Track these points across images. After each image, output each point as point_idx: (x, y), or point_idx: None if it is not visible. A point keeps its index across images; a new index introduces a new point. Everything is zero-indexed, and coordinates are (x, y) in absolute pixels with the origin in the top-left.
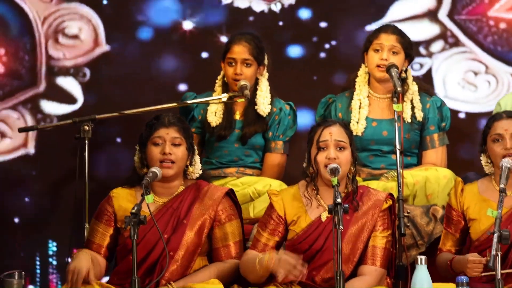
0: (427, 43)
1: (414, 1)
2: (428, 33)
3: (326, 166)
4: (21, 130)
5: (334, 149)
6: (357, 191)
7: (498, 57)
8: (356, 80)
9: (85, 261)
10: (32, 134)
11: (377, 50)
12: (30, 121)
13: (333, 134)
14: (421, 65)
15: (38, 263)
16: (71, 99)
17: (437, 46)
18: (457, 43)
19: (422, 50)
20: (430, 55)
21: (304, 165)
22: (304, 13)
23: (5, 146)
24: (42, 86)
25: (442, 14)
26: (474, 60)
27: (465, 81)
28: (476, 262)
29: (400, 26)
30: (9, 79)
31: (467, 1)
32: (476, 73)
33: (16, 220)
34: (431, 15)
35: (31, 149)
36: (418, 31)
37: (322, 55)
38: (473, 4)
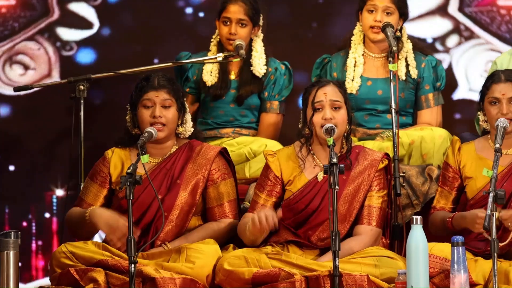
0: (442, 39)
1: None
2: (441, 28)
3: (322, 126)
4: (16, 89)
5: (329, 109)
6: (351, 149)
7: None
8: (352, 39)
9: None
10: (55, 63)
11: (371, 11)
12: (50, 50)
13: (327, 94)
14: (440, 62)
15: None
16: (87, 24)
17: (452, 41)
18: (472, 35)
19: (438, 46)
20: (447, 50)
21: (300, 126)
22: None
23: (30, 77)
24: (56, 14)
25: (453, 9)
26: (492, 51)
27: (487, 73)
28: (483, 219)
29: (412, 24)
30: (22, 10)
31: None
32: None
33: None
34: (442, 10)
35: (56, 77)
36: (432, 28)
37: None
38: None
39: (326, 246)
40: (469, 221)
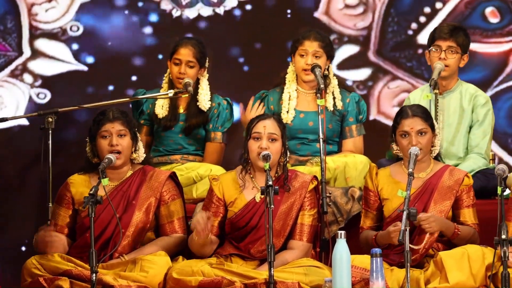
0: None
1: None
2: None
3: (258, 154)
4: None
5: (266, 140)
6: (288, 177)
7: None
8: (286, 76)
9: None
10: None
11: (302, 55)
12: None
13: (266, 127)
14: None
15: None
16: None
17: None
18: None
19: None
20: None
21: (243, 152)
22: None
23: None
24: None
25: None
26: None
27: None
28: (396, 231)
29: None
30: None
31: None
32: None
33: None
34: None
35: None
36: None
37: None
38: None
39: (264, 257)
40: (387, 238)
